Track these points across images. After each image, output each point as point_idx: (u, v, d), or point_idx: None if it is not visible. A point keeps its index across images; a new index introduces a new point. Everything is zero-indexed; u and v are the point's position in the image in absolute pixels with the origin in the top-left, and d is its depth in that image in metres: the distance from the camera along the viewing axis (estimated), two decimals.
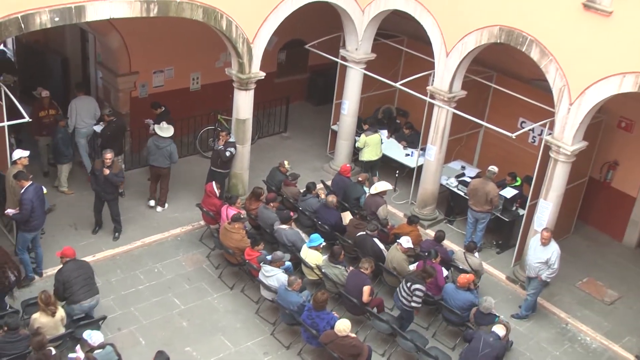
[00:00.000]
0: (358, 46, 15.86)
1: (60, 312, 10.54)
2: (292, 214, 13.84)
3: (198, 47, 16.60)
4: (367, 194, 14.68)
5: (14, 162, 12.34)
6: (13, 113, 12.13)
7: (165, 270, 13.46)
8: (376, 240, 13.24)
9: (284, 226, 13.39)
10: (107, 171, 13.21)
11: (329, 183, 15.85)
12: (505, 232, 15.06)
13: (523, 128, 14.72)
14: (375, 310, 12.17)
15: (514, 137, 13.59)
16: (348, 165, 15.84)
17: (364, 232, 13.34)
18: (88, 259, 12.54)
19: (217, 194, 14.02)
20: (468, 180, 15.46)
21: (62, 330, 10.58)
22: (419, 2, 14.25)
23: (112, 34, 15.24)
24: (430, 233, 14.84)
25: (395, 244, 13.01)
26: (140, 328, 12.01)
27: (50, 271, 12.25)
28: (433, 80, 14.76)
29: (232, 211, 13.38)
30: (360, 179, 15.15)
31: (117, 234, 14.00)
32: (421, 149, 16.17)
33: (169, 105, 15.72)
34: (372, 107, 18.24)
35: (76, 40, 17.72)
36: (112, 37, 15.33)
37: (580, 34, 12.08)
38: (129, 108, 16.37)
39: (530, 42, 12.70)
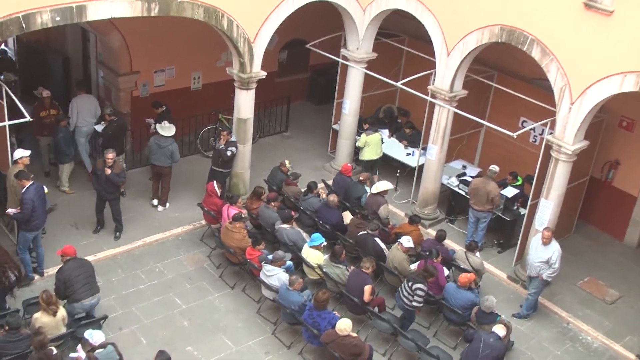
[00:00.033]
0: (359, 45, 15.85)
1: (62, 312, 10.55)
2: (293, 213, 13.84)
3: (199, 47, 16.60)
4: (368, 194, 14.68)
5: (15, 162, 12.34)
6: (14, 112, 12.14)
7: (166, 269, 13.46)
8: (377, 239, 13.24)
9: (285, 225, 13.39)
10: (108, 171, 13.21)
11: (330, 182, 15.85)
12: (506, 231, 15.06)
13: (524, 127, 14.71)
14: (376, 309, 12.17)
15: (515, 137, 13.59)
16: (349, 164, 15.85)
17: (365, 232, 13.34)
18: (89, 258, 12.51)
19: (218, 194, 14.03)
20: (469, 179, 15.45)
21: (64, 330, 10.59)
22: (420, 2, 14.25)
23: (113, 33, 15.24)
24: (432, 232, 14.84)
25: (396, 243, 13.01)
26: (142, 327, 12.01)
27: (52, 270, 12.24)
28: (434, 80, 14.75)
29: (233, 210, 13.38)
30: (361, 178, 15.15)
31: (118, 233, 14.01)
32: (422, 149, 16.18)
33: (170, 105, 15.72)
34: (373, 106, 18.23)
35: (77, 40, 17.73)
36: (113, 37, 15.33)
37: (581, 34, 12.07)
38: (130, 107, 16.38)
39: (531, 42, 12.70)
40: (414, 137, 17.16)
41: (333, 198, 14.14)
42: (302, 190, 14.85)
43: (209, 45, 16.25)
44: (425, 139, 15.80)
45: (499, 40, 13.25)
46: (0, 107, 12.14)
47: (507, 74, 15.79)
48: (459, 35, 13.81)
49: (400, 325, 11.86)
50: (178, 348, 11.55)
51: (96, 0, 11.62)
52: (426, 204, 15.69)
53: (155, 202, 15.16)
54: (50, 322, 10.35)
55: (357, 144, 16.56)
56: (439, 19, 14.10)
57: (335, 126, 17.69)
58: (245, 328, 12.32)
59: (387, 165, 17.08)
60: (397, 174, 16.73)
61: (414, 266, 12.88)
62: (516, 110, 15.55)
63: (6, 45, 18.67)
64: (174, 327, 12.12)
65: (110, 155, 13.27)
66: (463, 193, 15.31)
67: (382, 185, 14.51)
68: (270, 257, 12.44)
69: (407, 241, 12.77)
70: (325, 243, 13.05)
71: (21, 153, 12.38)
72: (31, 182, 11.92)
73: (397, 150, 17.23)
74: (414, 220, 13.93)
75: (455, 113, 14.61)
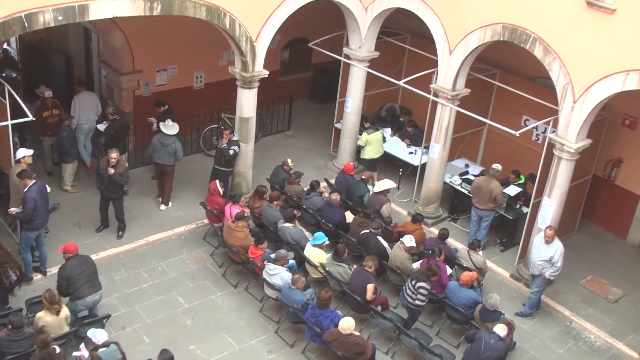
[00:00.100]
0: (361, 44, 15.85)
1: (65, 311, 10.56)
2: (295, 212, 13.84)
3: (201, 46, 16.61)
4: (371, 192, 14.69)
5: (18, 161, 12.35)
6: (16, 112, 12.15)
7: (169, 268, 13.47)
8: (380, 238, 13.24)
9: (287, 224, 13.39)
10: (112, 170, 13.22)
11: (332, 181, 15.85)
12: (509, 230, 15.06)
13: (527, 126, 14.68)
14: (379, 308, 12.17)
15: (518, 135, 13.56)
16: (351, 163, 15.84)
17: (368, 230, 13.34)
18: (92, 257, 12.53)
19: (221, 192, 14.04)
20: (472, 178, 15.44)
21: (67, 329, 10.61)
22: (422, 0, 14.23)
23: (115, 32, 15.26)
24: (434, 231, 14.84)
25: (398, 242, 13.01)
26: (144, 326, 12.03)
27: (55, 270, 12.21)
28: (436, 78, 14.75)
29: (235, 209, 13.38)
30: (363, 177, 15.15)
31: (120, 232, 14.02)
32: (425, 147, 16.18)
33: (172, 104, 15.72)
34: (375, 105, 18.23)
35: (80, 39, 17.73)
36: (116, 36, 15.35)
37: (583, 32, 12.06)
38: (133, 107, 16.41)
39: (533, 40, 12.69)
40: (417, 136, 17.16)
41: (335, 197, 14.14)
42: (305, 189, 14.86)
43: (211, 44, 16.25)
44: (427, 137, 15.80)
45: (502, 39, 13.24)
46: (2, 106, 12.15)
47: (509, 72, 15.77)
48: (461, 33, 13.80)
49: (403, 324, 11.86)
50: (181, 347, 11.56)
51: None
52: (429, 202, 15.69)
53: (160, 199, 15.20)
54: (53, 321, 10.36)
55: (359, 143, 16.56)
56: (441, 17, 14.09)
57: (337, 125, 17.69)
58: (248, 327, 12.33)
59: (389, 164, 17.08)
60: (400, 173, 16.73)
61: (416, 265, 12.88)
62: (519, 109, 15.53)
63: (8, 44, 18.69)
64: (177, 326, 12.13)
65: (114, 155, 13.28)
66: (465, 192, 15.30)
67: (385, 184, 14.51)
68: (272, 255, 12.45)
69: (408, 240, 12.76)
70: (327, 242, 13.05)
71: (24, 152, 12.41)
72: (33, 181, 11.93)
73: (399, 148, 17.22)
74: (416, 219, 13.92)
75: (457, 112, 14.60)
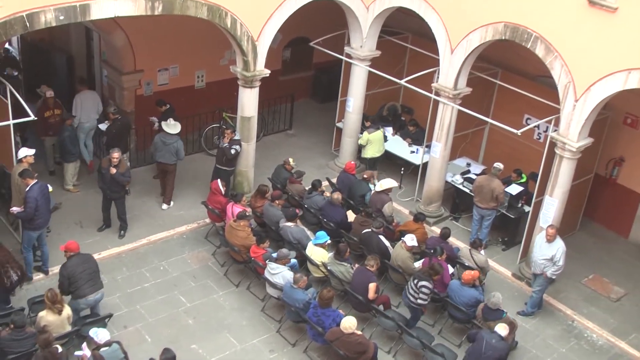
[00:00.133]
0: (363, 43, 15.85)
1: (67, 310, 10.57)
2: (297, 211, 13.84)
3: (203, 45, 16.61)
4: (373, 191, 14.69)
5: (20, 161, 12.37)
6: (18, 111, 12.16)
7: (170, 268, 13.48)
8: (382, 237, 13.24)
9: (289, 224, 13.39)
10: (113, 170, 13.22)
11: (334, 180, 15.84)
12: (510, 229, 15.05)
13: (528, 125, 14.67)
14: (381, 307, 12.16)
15: (519, 134, 13.54)
16: (353, 162, 15.84)
17: (370, 230, 13.34)
18: (94, 256, 12.55)
19: (223, 192, 14.04)
20: (473, 177, 15.44)
21: (69, 328, 10.61)
22: None
23: (116, 32, 15.26)
24: (436, 230, 14.84)
25: (400, 241, 13.01)
26: (146, 326, 12.04)
27: (57, 269, 12.20)
28: (438, 77, 14.74)
29: (237, 209, 13.39)
30: (365, 176, 15.15)
31: (122, 231, 14.02)
32: (426, 146, 16.18)
33: (174, 103, 15.73)
34: (377, 104, 18.22)
35: (81, 39, 17.75)
36: (117, 36, 15.35)
37: (585, 31, 12.04)
38: (134, 106, 16.41)
39: (535, 39, 12.68)
40: (418, 135, 17.15)
41: (337, 196, 14.14)
42: (306, 188, 14.86)
43: (212, 43, 16.26)
44: (429, 136, 15.80)
45: (503, 38, 13.23)
46: (4, 106, 12.16)
47: (511, 71, 15.77)
48: (463, 32, 13.79)
49: (405, 324, 11.86)
50: (183, 346, 11.57)
51: None
52: (430, 201, 15.69)
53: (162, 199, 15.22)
54: (56, 320, 10.37)
55: (359, 142, 16.55)
56: (442, 16, 14.09)
57: (339, 124, 17.69)
58: (249, 326, 12.33)
59: (391, 163, 17.08)
60: (402, 172, 16.73)
61: (418, 264, 12.88)
62: (520, 108, 15.53)
63: (10, 44, 18.71)
64: (179, 325, 12.14)
65: (116, 154, 13.28)
66: (467, 191, 15.30)
67: (387, 183, 14.51)
68: (274, 255, 12.45)
69: (410, 239, 12.76)
70: (329, 241, 13.05)
71: (25, 152, 12.41)
72: (35, 180, 11.94)
73: (401, 148, 17.21)
74: (419, 218, 13.91)
75: (459, 110, 14.60)
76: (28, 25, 11.15)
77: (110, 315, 11.35)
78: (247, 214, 13.34)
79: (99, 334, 9.93)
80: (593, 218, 16.02)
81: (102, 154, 15.29)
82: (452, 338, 12.44)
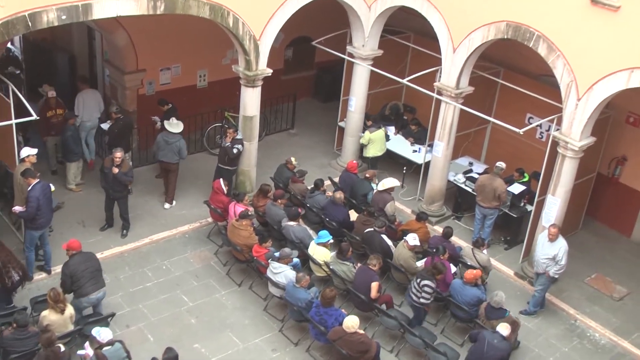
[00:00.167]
0: (365, 43, 15.84)
1: (69, 310, 10.58)
2: (299, 210, 13.84)
3: (205, 44, 16.61)
4: (375, 191, 14.68)
5: (22, 160, 12.38)
6: (21, 111, 12.17)
7: (173, 267, 13.48)
8: (384, 236, 13.24)
9: (291, 223, 13.39)
10: (116, 170, 13.23)
11: (336, 180, 15.84)
12: (513, 228, 15.04)
13: (531, 124, 14.65)
14: (383, 306, 12.16)
15: (522, 133, 13.51)
16: (355, 161, 15.84)
17: (372, 229, 13.33)
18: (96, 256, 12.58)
19: (225, 191, 14.05)
20: (476, 176, 15.42)
21: (71, 328, 10.62)
22: None
23: (119, 31, 15.26)
24: (438, 229, 14.82)
25: (402, 241, 13.00)
26: (149, 325, 12.04)
27: (59, 268, 12.23)
28: (440, 77, 14.73)
29: (239, 208, 13.40)
30: (367, 175, 15.15)
31: (125, 231, 14.03)
32: (428, 145, 16.17)
33: (176, 103, 15.75)
34: (379, 103, 18.22)
35: (83, 38, 17.76)
36: (119, 35, 15.35)
37: (587, 29, 12.03)
38: (136, 105, 16.41)
39: (537, 38, 12.66)
40: (420, 134, 17.14)
41: (339, 195, 14.13)
42: (309, 187, 14.86)
43: (214, 43, 16.25)
44: (431, 135, 15.79)
45: (505, 37, 13.21)
46: (6, 106, 12.17)
47: (513, 70, 15.75)
48: (465, 31, 13.78)
49: (408, 323, 11.85)
50: (185, 345, 11.57)
51: None
52: (433, 201, 15.68)
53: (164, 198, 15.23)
54: (58, 319, 10.38)
55: (361, 141, 16.56)
56: (444, 15, 14.08)
57: (341, 123, 17.69)
58: (252, 325, 12.34)
59: (393, 162, 17.07)
60: (404, 171, 16.71)
61: (420, 263, 12.87)
62: (523, 107, 15.50)
63: (12, 43, 18.72)
64: (181, 325, 12.14)
65: (119, 154, 13.29)
66: (470, 190, 15.28)
67: (389, 182, 14.50)
68: (277, 254, 12.45)
69: (412, 239, 12.76)
70: (332, 240, 13.05)
71: (28, 151, 12.43)
72: (37, 180, 11.95)
73: (403, 147, 17.20)
74: (421, 217, 13.91)
75: (461, 110, 14.58)
76: (30, 24, 11.16)
77: (112, 315, 11.36)
78: (250, 213, 13.36)
79: (101, 333, 9.95)
80: (595, 217, 16.00)
81: (105, 154, 15.30)
82: (455, 337, 12.43)
